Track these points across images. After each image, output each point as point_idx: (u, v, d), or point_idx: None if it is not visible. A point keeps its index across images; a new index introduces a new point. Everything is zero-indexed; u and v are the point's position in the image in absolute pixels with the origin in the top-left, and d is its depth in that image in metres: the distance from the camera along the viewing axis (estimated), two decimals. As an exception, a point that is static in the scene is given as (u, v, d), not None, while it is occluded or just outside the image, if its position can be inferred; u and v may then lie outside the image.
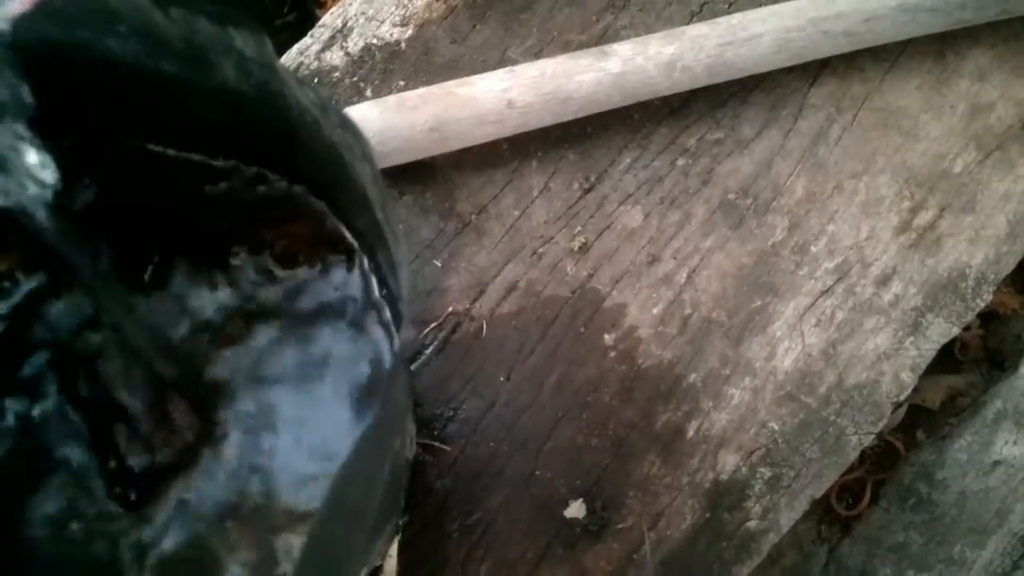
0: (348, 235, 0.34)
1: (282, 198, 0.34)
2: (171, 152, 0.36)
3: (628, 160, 0.53)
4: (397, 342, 0.30)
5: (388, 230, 0.24)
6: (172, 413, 0.32)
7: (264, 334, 0.34)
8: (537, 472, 0.47)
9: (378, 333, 0.33)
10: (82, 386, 0.31)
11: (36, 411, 0.32)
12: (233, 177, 0.35)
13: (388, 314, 0.33)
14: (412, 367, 0.49)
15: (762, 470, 0.48)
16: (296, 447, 0.32)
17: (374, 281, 0.34)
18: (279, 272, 0.33)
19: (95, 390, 0.31)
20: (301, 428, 0.32)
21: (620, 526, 0.47)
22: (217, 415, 0.32)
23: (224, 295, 0.33)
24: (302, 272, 0.34)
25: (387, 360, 0.32)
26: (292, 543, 0.32)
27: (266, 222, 0.34)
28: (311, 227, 0.34)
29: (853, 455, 0.49)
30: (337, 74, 0.54)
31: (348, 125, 0.24)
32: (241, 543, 0.32)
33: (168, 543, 0.32)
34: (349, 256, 0.34)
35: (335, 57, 0.54)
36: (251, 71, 0.27)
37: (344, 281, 0.34)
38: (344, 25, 0.55)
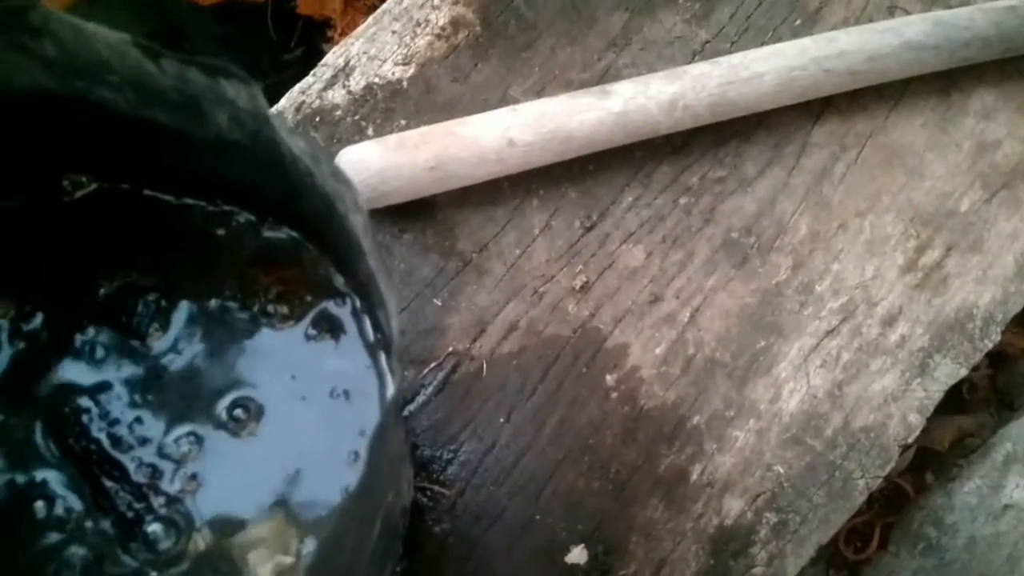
0: (343, 280, 0.33)
1: (278, 244, 0.34)
2: (168, 198, 0.35)
3: (630, 198, 0.52)
4: (390, 390, 0.30)
5: (382, 280, 0.24)
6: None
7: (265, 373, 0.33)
8: (537, 516, 0.47)
9: (372, 382, 0.32)
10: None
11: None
12: (230, 222, 0.34)
13: (383, 360, 0.32)
14: (411, 408, 0.48)
15: (768, 515, 0.47)
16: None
17: (368, 324, 0.33)
18: (276, 312, 0.33)
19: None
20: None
21: (622, 573, 0.46)
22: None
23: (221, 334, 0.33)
24: (297, 314, 0.33)
25: (377, 412, 0.31)
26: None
27: (262, 267, 0.33)
28: (306, 273, 0.33)
29: (860, 499, 0.48)
30: (339, 112, 0.54)
31: (339, 176, 0.24)
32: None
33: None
34: (343, 299, 0.34)
35: (337, 96, 0.54)
36: (244, 121, 0.26)
37: (338, 325, 0.33)
38: (346, 64, 0.55)
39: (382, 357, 0.33)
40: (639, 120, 0.50)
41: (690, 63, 0.53)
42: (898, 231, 0.52)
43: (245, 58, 0.92)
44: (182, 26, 0.93)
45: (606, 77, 0.55)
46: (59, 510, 0.31)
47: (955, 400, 0.62)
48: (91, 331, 0.33)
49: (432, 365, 0.49)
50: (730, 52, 0.53)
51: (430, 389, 0.48)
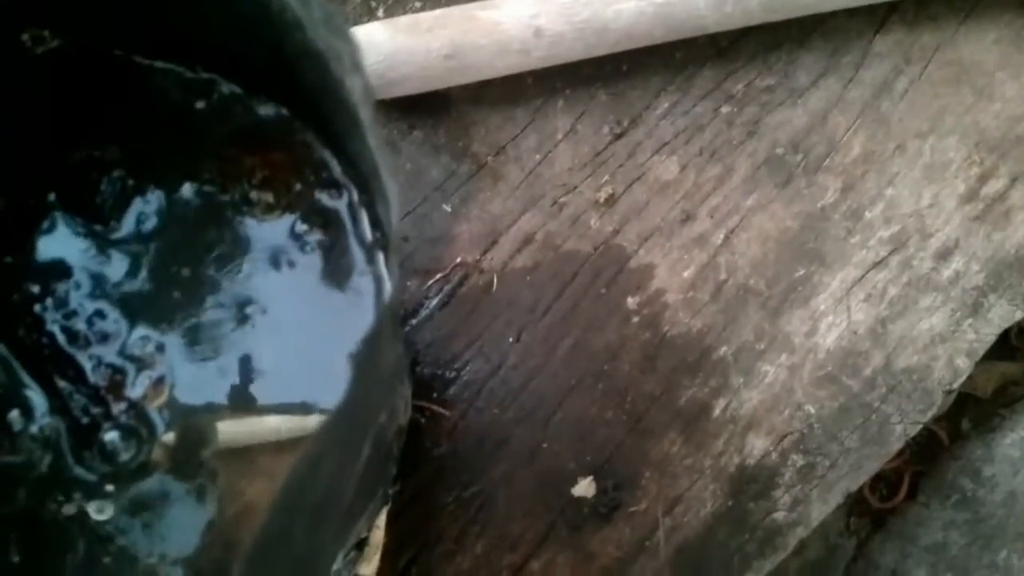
0: (338, 166, 0.29)
1: (265, 121, 0.29)
2: (142, 61, 0.30)
3: (666, 104, 0.47)
4: (387, 293, 0.26)
5: (382, 163, 0.19)
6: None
7: (245, 269, 0.29)
8: (544, 444, 0.43)
9: (368, 285, 0.28)
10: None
11: None
12: (211, 93, 0.30)
13: (381, 262, 0.28)
14: (413, 321, 0.44)
15: (794, 457, 0.43)
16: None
17: (366, 220, 0.29)
18: (259, 200, 0.28)
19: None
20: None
21: (632, 509, 0.43)
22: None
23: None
24: (284, 204, 0.29)
25: (371, 320, 0.27)
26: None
27: (246, 147, 0.29)
28: (297, 157, 0.29)
29: (897, 446, 0.44)
30: (347, -9, 0.48)
31: (334, 24, 0.19)
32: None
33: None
34: (338, 189, 0.29)
35: (345, -28, 0.48)
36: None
37: (332, 219, 0.29)
38: (357, -64, 0.49)
39: (380, 258, 0.28)
40: (683, 13, 0.45)
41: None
42: (960, 156, 0.47)
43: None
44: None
45: (647, -34, 0.49)
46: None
47: (1002, 344, 0.58)
48: (49, 208, 0.28)
49: (438, 276, 0.45)
50: (790, -57, 0.47)
51: (434, 302, 0.44)
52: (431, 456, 0.43)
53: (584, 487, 0.43)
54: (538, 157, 0.46)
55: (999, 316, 0.45)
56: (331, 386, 0.29)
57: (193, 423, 0.27)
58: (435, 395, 0.43)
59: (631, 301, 0.45)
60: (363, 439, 0.21)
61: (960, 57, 0.48)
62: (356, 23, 0.46)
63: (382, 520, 0.39)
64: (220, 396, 0.28)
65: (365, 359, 0.17)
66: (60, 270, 0.28)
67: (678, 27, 0.45)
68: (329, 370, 0.28)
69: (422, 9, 0.47)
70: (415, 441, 0.43)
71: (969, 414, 0.57)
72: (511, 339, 0.44)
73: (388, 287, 0.28)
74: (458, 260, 0.45)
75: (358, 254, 0.29)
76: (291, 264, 0.29)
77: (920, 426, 0.44)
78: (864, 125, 0.47)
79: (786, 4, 0.45)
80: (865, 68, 0.48)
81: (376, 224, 0.28)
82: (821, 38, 0.48)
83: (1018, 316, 0.46)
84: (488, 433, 0.43)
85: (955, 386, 0.44)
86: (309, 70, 0.24)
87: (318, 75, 0.23)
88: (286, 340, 0.29)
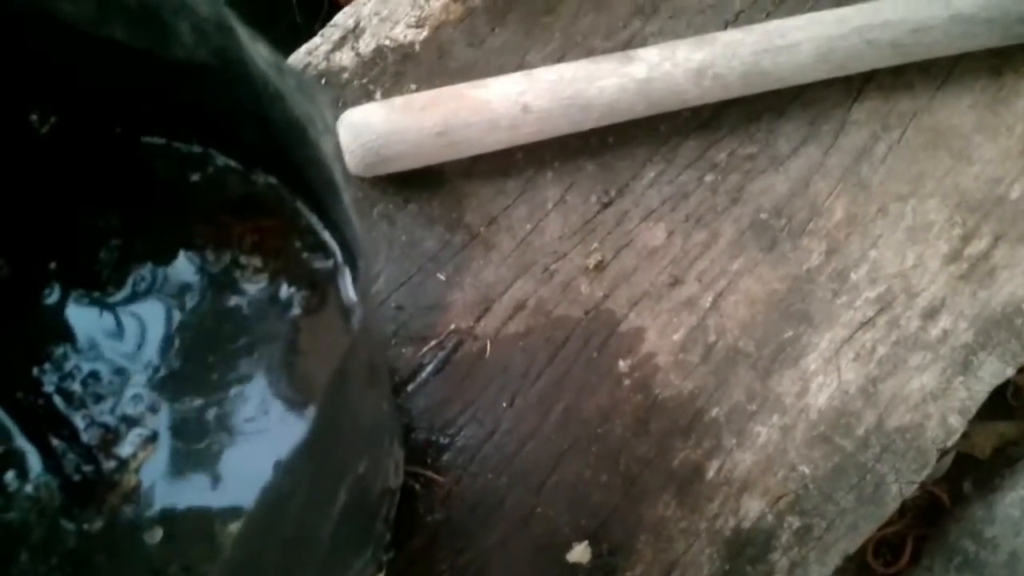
0: (325, 231, 0.30)
1: (257, 191, 0.31)
2: (145, 139, 0.32)
3: (652, 174, 0.49)
4: (355, 323, 0.27)
5: (355, 216, 0.21)
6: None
7: (235, 332, 0.30)
8: (539, 509, 0.43)
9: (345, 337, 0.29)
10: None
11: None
12: (208, 167, 0.31)
13: (358, 315, 0.29)
14: (408, 389, 0.45)
15: (790, 519, 0.43)
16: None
17: (348, 279, 0.30)
18: (249, 265, 0.30)
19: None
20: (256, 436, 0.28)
21: (628, 574, 0.42)
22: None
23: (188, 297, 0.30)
24: (273, 268, 0.30)
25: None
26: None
27: (237, 215, 0.30)
28: (286, 221, 0.30)
29: (893, 506, 0.43)
30: (346, 75, 0.51)
31: (306, 90, 0.21)
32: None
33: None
34: (325, 253, 0.30)
35: (345, 58, 0.51)
36: (209, 35, 0.23)
37: (319, 281, 0.30)
38: (356, 25, 0.52)
39: (357, 310, 0.29)
40: (664, 89, 0.47)
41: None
42: (942, 218, 0.48)
43: (268, 39, 0.90)
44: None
45: (631, 46, 0.51)
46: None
47: (998, 404, 0.57)
48: (51, 276, 0.30)
49: (432, 343, 0.46)
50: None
51: (429, 369, 0.45)
52: (425, 523, 0.43)
53: (579, 552, 0.43)
54: (529, 227, 0.48)
55: (990, 373, 0.45)
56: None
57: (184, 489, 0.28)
58: (429, 461, 0.44)
59: (622, 364, 0.45)
60: (337, 482, 0.21)
61: (937, 122, 0.50)
62: (355, 105, 0.49)
63: (377, 587, 0.39)
64: (206, 463, 0.28)
65: (328, 399, 0.18)
66: (59, 334, 0.29)
67: (660, 101, 0.47)
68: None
69: (417, 90, 0.50)
70: (410, 508, 0.43)
71: (970, 475, 0.56)
72: (504, 404, 0.45)
73: (357, 317, 0.28)
74: (452, 327, 0.46)
75: (341, 314, 0.30)
76: (279, 325, 0.30)
77: (915, 485, 0.43)
78: (845, 190, 0.48)
79: (764, 77, 0.47)
80: (844, 135, 0.49)
81: (355, 279, 0.30)
82: (800, 107, 0.50)
83: (1009, 373, 0.46)
84: (482, 499, 0.43)
85: (949, 444, 0.44)
86: (293, 139, 0.25)
87: (300, 142, 0.25)
88: (271, 396, 0.29)
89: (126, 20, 0.25)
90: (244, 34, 0.21)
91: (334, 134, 0.20)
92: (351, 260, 0.29)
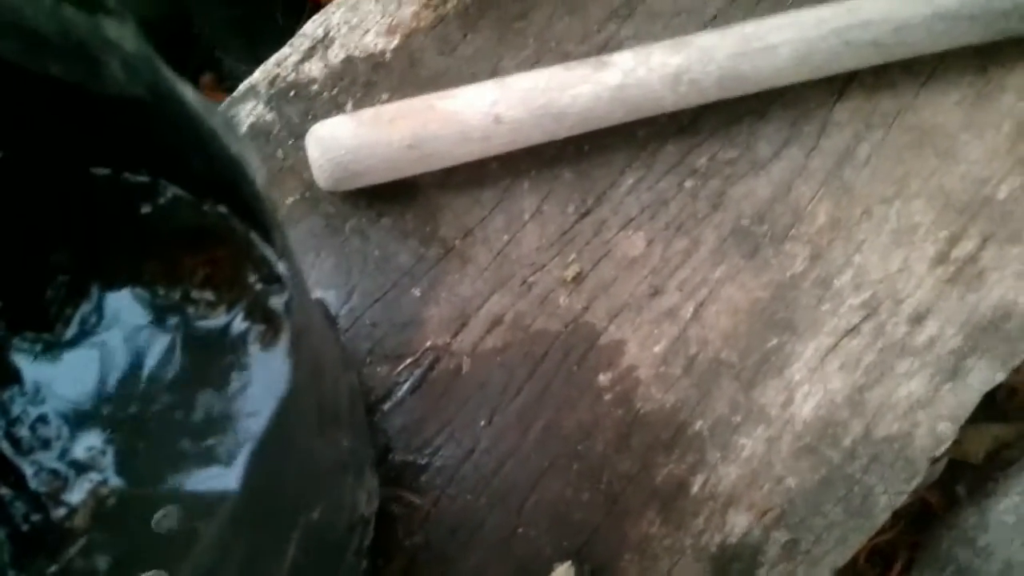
0: (279, 263, 0.29)
1: (208, 222, 0.30)
2: (94, 170, 0.31)
3: (630, 181, 0.48)
4: (283, 385, 0.25)
5: (292, 260, 0.20)
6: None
7: (188, 369, 0.29)
8: (520, 530, 0.42)
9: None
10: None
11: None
12: (158, 197, 0.30)
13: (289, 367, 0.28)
14: (384, 408, 0.44)
15: (777, 533, 0.42)
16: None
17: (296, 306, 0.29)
18: (201, 299, 0.29)
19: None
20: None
21: (613, 594, 0.41)
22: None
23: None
24: (226, 301, 0.29)
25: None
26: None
27: (188, 248, 0.29)
28: (239, 252, 0.29)
29: (882, 517, 0.43)
30: (315, 87, 0.50)
31: (231, 125, 0.20)
32: None
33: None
34: (280, 284, 0.29)
35: (314, 69, 0.50)
36: (138, 70, 0.22)
37: (272, 314, 0.29)
38: (326, 34, 0.51)
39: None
40: (639, 95, 0.45)
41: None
42: (928, 220, 0.47)
43: (251, 43, 0.89)
44: (188, 9, 0.90)
45: (606, 50, 0.50)
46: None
47: (990, 407, 0.56)
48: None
49: (408, 361, 0.45)
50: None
51: (405, 387, 0.44)
52: (404, 547, 0.42)
53: (562, 573, 0.42)
54: (506, 238, 0.47)
55: (979, 379, 0.44)
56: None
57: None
58: (408, 482, 0.43)
59: (603, 378, 0.44)
60: (284, 535, 0.20)
61: (921, 121, 0.49)
62: (325, 117, 0.47)
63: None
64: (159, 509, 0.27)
65: (257, 457, 0.17)
66: (5, 377, 0.28)
67: (636, 107, 0.46)
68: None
69: (389, 100, 0.48)
70: (388, 531, 0.42)
71: (963, 480, 0.55)
72: (483, 422, 0.44)
73: (285, 376, 0.27)
74: (428, 344, 0.45)
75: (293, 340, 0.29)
76: (232, 361, 0.29)
77: (905, 496, 0.42)
78: (828, 193, 0.47)
79: (741, 80, 0.46)
80: (826, 137, 0.48)
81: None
82: (781, 109, 0.49)
83: (999, 378, 0.45)
84: (462, 521, 0.42)
85: (939, 453, 0.43)
86: (236, 173, 0.24)
87: (242, 176, 0.24)
88: (225, 437, 0.28)
89: (56, 57, 0.24)
90: (170, 74, 0.20)
91: (261, 168, 0.19)
92: (299, 289, 0.28)
